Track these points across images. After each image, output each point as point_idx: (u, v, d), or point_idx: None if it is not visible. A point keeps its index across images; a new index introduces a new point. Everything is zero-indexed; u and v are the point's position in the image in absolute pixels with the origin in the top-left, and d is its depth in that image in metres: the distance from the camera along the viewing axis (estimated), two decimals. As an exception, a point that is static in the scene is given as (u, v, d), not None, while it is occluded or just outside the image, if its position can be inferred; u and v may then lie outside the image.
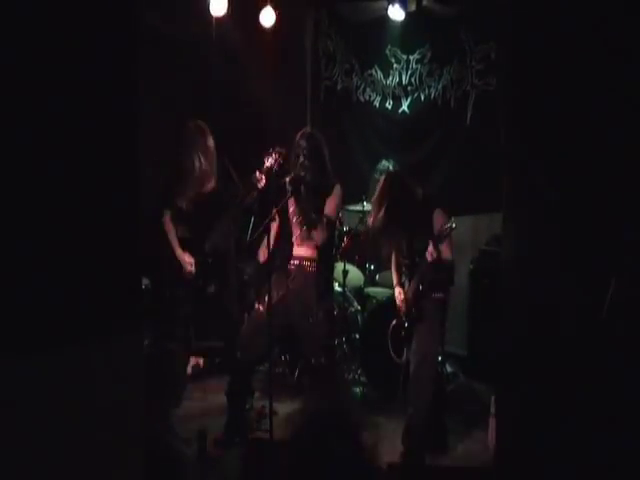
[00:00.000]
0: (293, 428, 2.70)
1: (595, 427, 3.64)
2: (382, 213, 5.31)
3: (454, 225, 5.07)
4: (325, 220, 5.55)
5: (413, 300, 5.38)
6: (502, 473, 4.13)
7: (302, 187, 5.52)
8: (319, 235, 5.56)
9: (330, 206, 5.60)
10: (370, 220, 5.53)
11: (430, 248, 5.07)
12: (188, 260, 6.01)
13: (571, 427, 3.71)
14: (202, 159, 6.04)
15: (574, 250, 3.69)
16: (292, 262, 5.70)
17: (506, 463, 4.15)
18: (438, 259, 5.10)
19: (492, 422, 5.43)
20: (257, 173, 5.59)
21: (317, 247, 5.62)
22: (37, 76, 1.69)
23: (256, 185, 5.58)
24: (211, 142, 6.10)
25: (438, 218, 5.25)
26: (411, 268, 5.41)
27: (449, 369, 6.84)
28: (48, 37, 1.70)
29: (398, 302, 5.55)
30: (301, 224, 5.59)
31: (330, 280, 5.95)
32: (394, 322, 5.70)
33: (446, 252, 5.20)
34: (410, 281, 5.42)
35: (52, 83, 1.72)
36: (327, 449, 2.58)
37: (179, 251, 6.08)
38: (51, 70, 1.72)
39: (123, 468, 1.87)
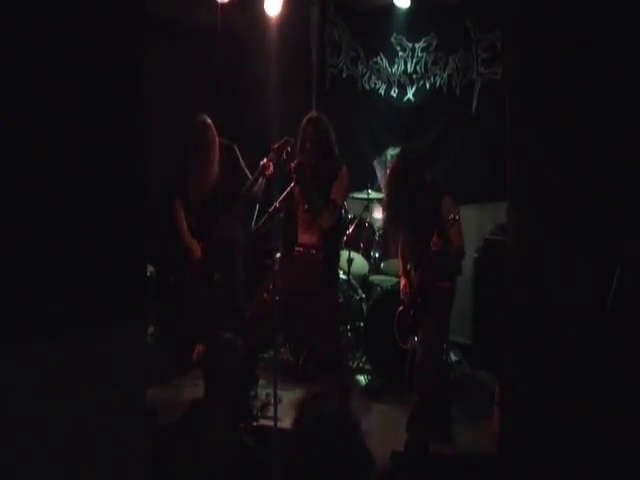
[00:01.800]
0: (297, 421, 2.71)
1: (600, 415, 3.63)
2: (393, 197, 5.30)
3: (457, 217, 5.06)
4: (331, 206, 5.54)
5: (419, 288, 5.37)
6: (506, 461, 4.12)
7: (307, 172, 5.51)
8: (325, 221, 5.54)
9: (336, 191, 5.58)
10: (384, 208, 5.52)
11: (435, 237, 5.06)
12: (196, 246, 6.01)
13: (575, 415, 3.70)
14: (207, 155, 6.05)
15: (579, 237, 3.65)
16: (297, 249, 5.68)
17: (510, 452, 4.15)
18: (445, 247, 5.09)
19: (496, 411, 5.39)
20: (265, 160, 5.59)
21: (323, 234, 5.60)
22: (39, 60, 1.68)
23: (263, 173, 5.57)
24: (215, 137, 6.09)
25: (447, 205, 5.24)
26: (417, 255, 5.40)
27: (453, 358, 6.82)
28: (49, 17, 1.69)
29: (404, 289, 5.54)
30: (307, 210, 5.57)
31: (335, 267, 5.93)
32: (400, 308, 5.68)
33: (456, 239, 5.18)
34: (416, 269, 5.41)
35: (54, 64, 1.71)
36: (328, 439, 2.60)
37: (188, 237, 6.08)
38: (53, 51, 1.71)
39: (125, 455, 1.87)
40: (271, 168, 5.54)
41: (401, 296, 5.58)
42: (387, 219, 5.71)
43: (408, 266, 5.54)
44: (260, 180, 5.76)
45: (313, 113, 5.90)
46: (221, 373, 3.73)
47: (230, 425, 3.64)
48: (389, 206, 5.52)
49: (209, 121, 6.10)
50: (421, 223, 5.28)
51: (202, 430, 3.38)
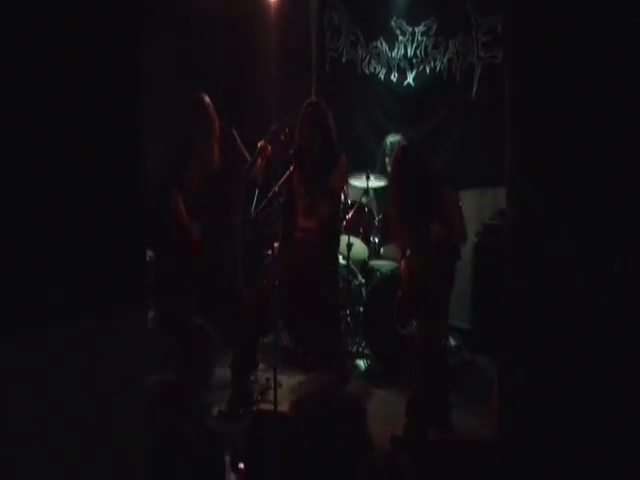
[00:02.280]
0: (296, 406, 2.71)
1: (600, 400, 3.63)
2: (394, 183, 5.30)
3: (460, 203, 5.06)
4: (330, 192, 5.53)
5: (419, 273, 5.37)
6: (504, 447, 4.12)
7: (306, 158, 5.49)
8: (324, 207, 5.53)
9: (336, 178, 5.57)
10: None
11: (436, 225, 5.06)
12: (195, 229, 5.99)
13: (574, 400, 3.71)
14: (205, 135, 6.03)
15: (579, 221, 3.67)
16: (297, 234, 5.66)
17: (508, 437, 4.15)
18: (445, 232, 5.09)
19: (495, 396, 5.40)
20: (262, 142, 5.57)
21: (322, 219, 5.58)
22: (36, 40, 1.66)
23: (261, 154, 5.56)
24: (214, 116, 6.08)
25: (447, 191, 5.23)
26: (417, 241, 5.39)
27: (452, 342, 6.82)
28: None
29: (403, 274, 5.53)
30: (305, 196, 5.56)
31: (335, 252, 5.92)
32: (400, 293, 5.68)
33: (457, 224, 5.18)
34: (416, 254, 5.40)
35: (51, 46, 1.69)
36: (328, 424, 2.60)
37: (186, 220, 6.06)
38: (50, 33, 1.69)
39: (124, 439, 1.87)
40: (269, 150, 5.53)
41: (400, 281, 5.57)
42: (390, 207, 5.71)
43: (407, 251, 5.53)
44: (258, 162, 5.74)
45: (312, 98, 5.89)
46: (192, 358, 3.72)
47: (197, 410, 3.63)
48: (393, 195, 5.51)
49: (209, 101, 6.07)
50: (422, 209, 5.27)
51: (166, 413, 3.36)
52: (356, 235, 7.09)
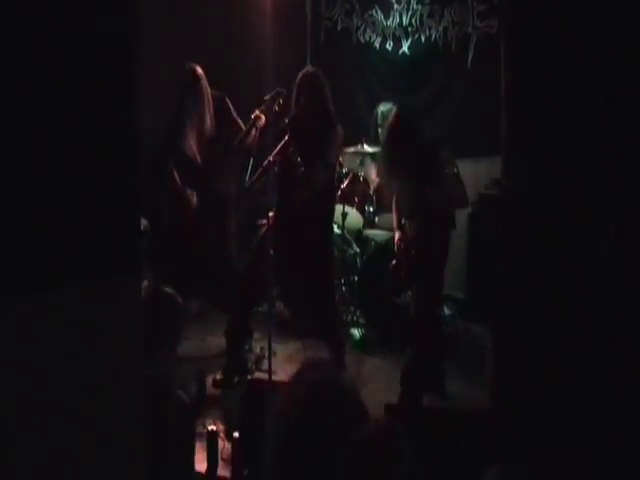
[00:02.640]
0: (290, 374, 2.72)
1: (595, 369, 3.64)
2: (390, 154, 5.28)
3: (456, 169, 5.04)
4: (325, 161, 5.50)
5: (414, 241, 5.37)
6: (499, 416, 4.14)
7: (302, 127, 5.47)
8: (319, 176, 5.49)
9: (331, 149, 5.54)
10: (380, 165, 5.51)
11: (432, 192, 5.05)
12: (189, 198, 5.96)
13: (571, 368, 3.72)
14: (199, 104, 6.00)
15: (575, 191, 3.67)
16: (291, 204, 5.62)
17: (503, 406, 4.17)
18: (444, 201, 5.08)
19: (490, 366, 5.41)
20: (256, 112, 5.54)
21: (317, 189, 5.55)
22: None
23: (256, 124, 5.53)
24: (207, 86, 6.04)
25: (443, 160, 5.21)
26: (412, 209, 5.38)
27: (447, 312, 6.85)
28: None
29: (398, 243, 5.51)
30: (300, 165, 5.54)
31: (330, 222, 5.91)
32: (394, 262, 5.68)
33: (455, 190, 5.17)
34: (411, 223, 5.40)
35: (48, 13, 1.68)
36: (322, 393, 2.60)
37: (180, 188, 6.06)
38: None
39: (123, 409, 1.87)
40: (263, 119, 5.50)
41: (395, 250, 5.56)
42: (383, 175, 5.69)
43: (402, 220, 5.52)
44: (253, 132, 5.72)
45: (309, 68, 5.84)
46: (158, 328, 3.72)
47: (164, 379, 3.64)
48: (386, 163, 5.50)
49: (201, 72, 6.04)
50: (416, 177, 5.25)
51: None
52: (351, 204, 7.10)
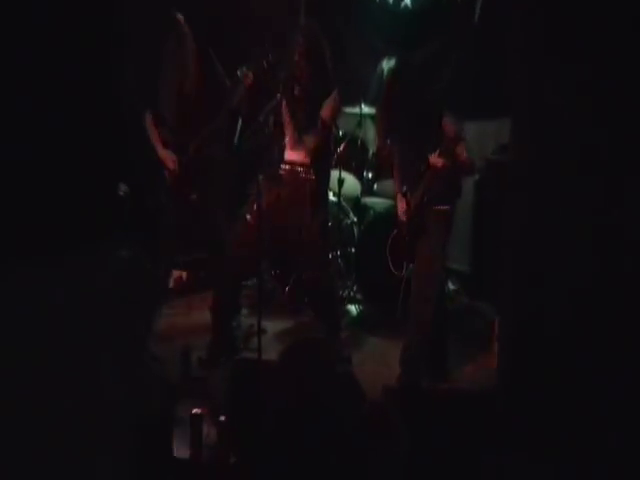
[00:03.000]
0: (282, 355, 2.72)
1: (606, 350, 3.64)
2: (389, 113, 5.26)
3: (462, 134, 5.02)
4: (320, 123, 5.46)
5: (416, 211, 5.37)
6: (504, 398, 4.15)
7: (296, 86, 5.43)
8: (313, 139, 5.47)
9: (327, 110, 5.50)
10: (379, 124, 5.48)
11: (436, 156, 5.04)
12: (171, 159, 5.92)
13: (583, 347, 3.67)
14: (181, 58, 5.94)
15: (586, 157, 3.56)
16: (283, 167, 5.60)
17: (508, 388, 4.17)
18: (449, 165, 5.07)
19: (496, 345, 5.41)
20: (244, 69, 5.49)
21: (311, 152, 5.52)
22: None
23: (243, 82, 5.48)
24: (191, 40, 5.99)
25: (448, 121, 5.18)
26: (415, 176, 5.36)
27: (451, 287, 6.86)
28: None
29: (399, 212, 5.51)
30: (293, 126, 5.51)
31: (325, 189, 5.89)
32: (394, 233, 5.67)
33: (463, 156, 5.15)
34: (413, 191, 5.40)
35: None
36: (317, 373, 2.61)
37: (161, 149, 5.99)
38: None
39: (98, 373, 1.90)
40: (251, 77, 5.45)
41: (398, 213, 5.53)
42: (383, 136, 5.66)
43: (404, 187, 5.51)
44: (240, 90, 5.67)
45: (304, 22, 5.78)
46: (134, 302, 3.72)
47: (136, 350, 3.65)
48: (385, 122, 5.47)
49: (184, 22, 5.98)
50: (420, 140, 5.24)
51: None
52: (348, 170, 7.09)
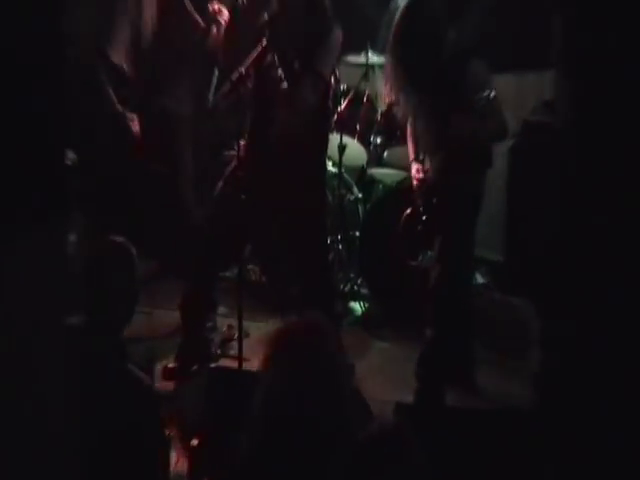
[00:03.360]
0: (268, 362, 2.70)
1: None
2: (402, 60, 5.24)
3: (493, 93, 4.97)
4: (315, 76, 5.44)
5: (435, 184, 5.33)
6: (546, 418, 4.15)
7: (284, 28, 5.41)
8: (306, 96, 5.42)
9: (323, 57, 5.49)
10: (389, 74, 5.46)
11: (460, 116, 5.01)
12: (130, 121, 5.91)
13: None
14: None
15: None
16: (270, 130, 5.54)
17: (551, 404, 4.18)
18: (475, 128, 5.04)
19: (535, 351, 5.37)
20: (216, 5, 5.48)
21: (304, 111, 5.47)
22: None
23: (216, 20, 5.47)
24: None
25: (476, 73, 5.15)
26: (435, 140, 5.33)
27: (479, 280, 6.89)
28: None
29: (415, 183, 5.49)
30: (282, 79, 5.47)
31: (322, 157, 5.88)
32: (408, 211, 5.64)
33: (493, 118, 5.11)
34: (432, 158, 5.36)
35: None
36: (311, 387, 2.58)
37: (117, 108, 6.02)
38: None
39: (42, 362, 2.03)
40: (225, 15, 5.43)
41: (413, 184, 5.50)
42: (394, 89, 5.63)
43: (420, 154, 5.47)
44: (213, 31, 5.66)
45: None
46: (106, 289, 3.73)
47: (116, 354, 3.65)
48: (397, 71, 5.44)
49: None
50: (441, 96, 5.20)
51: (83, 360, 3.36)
52: (351, 134, 7.10)
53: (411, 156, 5.59)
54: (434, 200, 5.32)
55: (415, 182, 5.50)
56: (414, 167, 5.54)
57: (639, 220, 3.68)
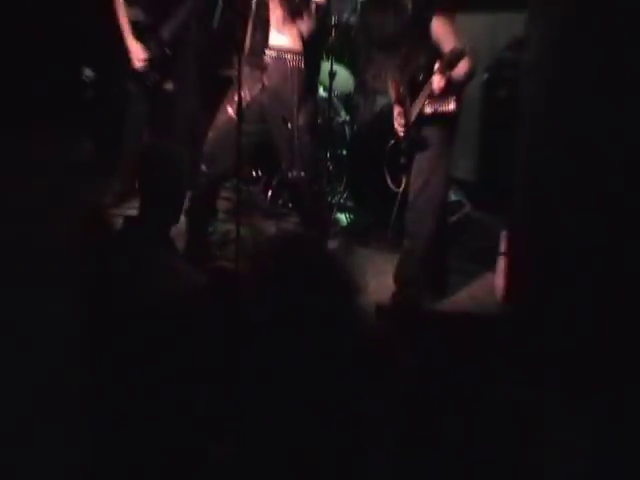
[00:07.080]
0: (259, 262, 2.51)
1: (623, 270, 3.60)
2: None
3: (467, 48, 4.72)
4: (313, 4, 5.29)
5: (415, 122, 5.14)
6: (511, 320, 4.14)
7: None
8: (304, 23, 5.32)
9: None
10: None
11: (436, 77, 4.78)
12: (140, 55, 5.90)
13: (598, 269, 3.67)
14: None
15: (608, 58, 3.59)
16: (269, 53, 5.43)
17: (515, 309, 4.27)
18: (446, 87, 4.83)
19: (501, 261, 5.40)
20: None
21: (301, 37, 5.38)
22: None
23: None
24: None
25: (438, 27, 4.89)
26: (413, 88, 5.09)
27: (453, 197, 6.77)
28: None
29: (396, 125, 5.31)
30: (278, 5, 5.29)
31: (314, 80, 5.78)
32: (392, 142, 5.49)
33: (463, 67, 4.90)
34: (412, 93, 5.13)
35: None
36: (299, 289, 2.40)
37: (131, 39, 5.99)
38: None
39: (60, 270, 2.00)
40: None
41: (395, 125, 5.34)
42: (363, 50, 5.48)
43: (401, 89, 5.27)
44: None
45: None
46: (157, 188, 3.60)
47: (173, 254, 3.54)
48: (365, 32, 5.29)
49: None
50: (411, 53, 5.00)
51: (140, 258, 3.22)
52: (341, 62, 6.99)
53: (393, 97, 5.40)
54: (414, 134, 5.15)
55: (396, 122, 5.33)
56: (396, 110, 5.34)
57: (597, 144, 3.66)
